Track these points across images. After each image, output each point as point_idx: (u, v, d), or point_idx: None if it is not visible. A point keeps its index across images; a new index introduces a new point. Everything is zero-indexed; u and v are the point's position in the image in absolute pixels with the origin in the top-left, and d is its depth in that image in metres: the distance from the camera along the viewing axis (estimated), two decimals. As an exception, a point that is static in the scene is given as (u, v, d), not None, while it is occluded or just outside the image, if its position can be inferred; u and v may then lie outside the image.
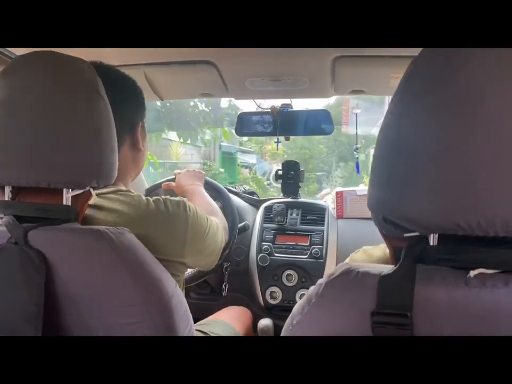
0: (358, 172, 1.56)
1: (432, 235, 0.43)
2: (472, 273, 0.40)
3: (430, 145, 0.40)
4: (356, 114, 1.53)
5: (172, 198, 0.78)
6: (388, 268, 0.43)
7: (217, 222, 0.95)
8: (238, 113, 1.49)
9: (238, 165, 9.97)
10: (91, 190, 0.65)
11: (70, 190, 0.63)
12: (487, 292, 0.39)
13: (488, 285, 0.39)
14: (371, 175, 0.47)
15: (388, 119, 0.45)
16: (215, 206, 1.12)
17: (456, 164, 0.38)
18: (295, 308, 0.49)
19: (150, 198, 0.76)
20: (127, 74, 0.86)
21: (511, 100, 0.37)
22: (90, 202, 0.67)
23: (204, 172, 1.31)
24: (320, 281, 0.47)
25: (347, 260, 0.70)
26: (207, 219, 0.87)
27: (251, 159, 9.39)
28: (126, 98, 0.81)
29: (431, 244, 0.43)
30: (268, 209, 1.56)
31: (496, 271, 0.40)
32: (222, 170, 9.05)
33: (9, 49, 0.93)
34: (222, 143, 9.27)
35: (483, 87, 0.38)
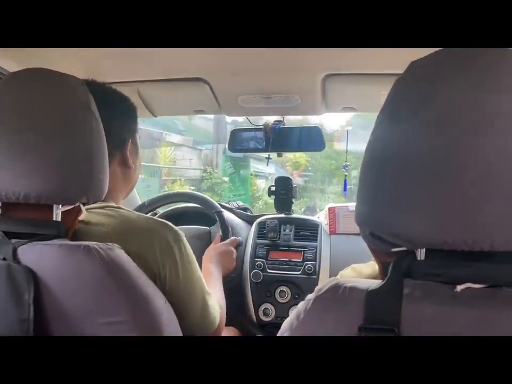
0: (344, 189, 1.57)
1: (419, 250, 0.43)
2: (459, 287, 0.40)
3: (416, 161, 0.41)
4: (347, 131, 1.55)
5: (165, 221, 0.76)
6: (376, 283, 0.44)
7: (215, 299, 0.87)
8: (231, 130, 1.51)
9: (252, 174, 8.49)
10: (81, 206, 0.65)
11: (60, 205, 0.63)
12: (474, 306, 0.39)
13: (475, 300, 0.40)
14: (358, 190, 0.48)
15: (374, 135, 0.46)
16: (222, 294, 1.03)
17: (442, 179, 0.39)
18: (284, 324, 0.49)
19: (140, 214, 0.75)
20: (118, 91, 0.86)
21: (496, 116, 0.38)
22: (80, 218, 0.67)
23: (234, 260, 1.22)
24: (308, 296, 0.47)
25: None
26: (200, 277, 0.80)
27: (269, 169, 7.92)
28: (115, 114, 0.81)
29: (419, 258, 0.43)
30: (261, 225, 1.56)
31: (483, 285, 0.40)
32: (225, 179, 7.88)
33: (1, 65, 0.94)
34: (226, 146, 7.95)
35: (468, 103, 0.39)
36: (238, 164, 8.25)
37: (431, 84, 0.42)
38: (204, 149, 8.54)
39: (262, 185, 8.49)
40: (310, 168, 8.31)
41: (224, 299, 1.00)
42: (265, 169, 8.23)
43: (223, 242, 1.25)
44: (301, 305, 0.47)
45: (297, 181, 7.35)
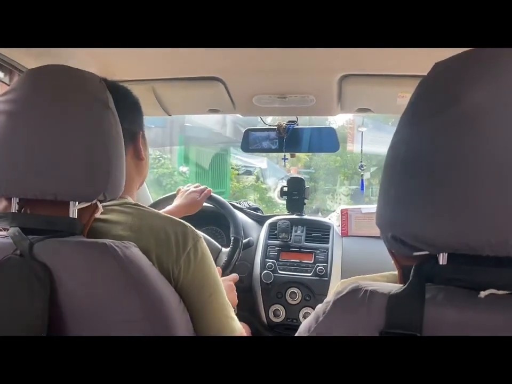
0: (362, 188, 1.56)
1: (441, 254, 0.42)
2: (483, 293, 0.39)
3: (439, 164, 0.40)
4: (362, 132, 1.54)
5: (184, 222, 0.74)
6: (397, 287, 0.43)
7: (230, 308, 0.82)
8: (244, 130, 1.50)
9: (234, 168, 6.59)
10: (98, 203, 0.65)
11: (77, 202, 0.63)
12: (498, 313, 0.39)
13: (499, 306, 0.39)
14: (380, 192, 0.47)
15: (396, 138, 0.46)
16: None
17: (467, 182, 0.38)
18: (302, 326, 0.48)
19: (159, 212, 0.75)
20: (123, 86, 0.86)
21: None
22: (97, 215, 0.67)
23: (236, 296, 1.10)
24: (327, 299, 0.47)
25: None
26: (218, 281, 0.78)
27: (260, 163, 6.56)
28: (126, 109, 0.80)
29: (441, 263, 0.42)
30: (273, 226, 1.56)
31: (507, 292, 0.40)
32: (184, 169, 5.87)
33: (19, 60, 0.95)
34: (186, 124, 5.28)
35: (491, 106, 0.38)
36: (210, 152, 6.25)
37: (456, 85, 0.41)
38: (153, 126, 5.30)
39: (248, 181, 6.76)
40: (311, 165, 7.12)
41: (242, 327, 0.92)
42: (254, 162, 6.73)
43: (224, 277, 1.14)
44: (320, 307, 0.47)
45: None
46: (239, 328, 0.83)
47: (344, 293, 0.45)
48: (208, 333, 0.74)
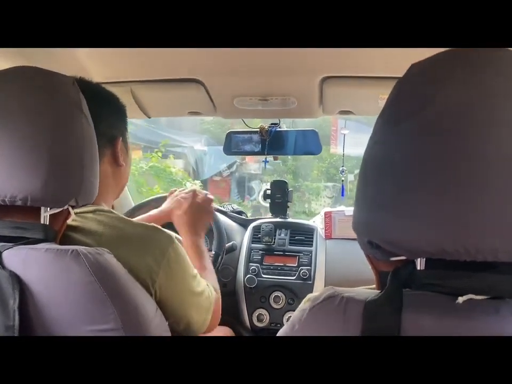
0: (342, 194, 1.55)
1: (419, 259, 0.41)
2: (461, 299, 0.39)
3: (415, 168, 0.39)
4: (344, 135, 1.54)
5: (157, 226, 0.74)
6: (374, 293, 0.42)
7: (208, 288, 0.84)
8: (227, 132, 1.49)
9: (146, 147, 4.30)
10: (70, 209, 0.63)
11: (48, 208, 0.61)
12: (477, 318, 0.38)
13: (477, 312, 0.38)
14: (356, 196, 0.46)
15: (372, 140, 0.45)
16: (214, 276, 0.97)
17: (442, 187, 0.37)
18: (279, 334, 0.47)
19: (131, 220, 0.73)
20: (106, 89, 0.84)
21: (496, 120, 0.37)
22: (69, 221, 0.65)
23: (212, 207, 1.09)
24: (303, 306, 0.45)
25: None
26: (196, 275, 0.78)
27: (196, 142, 4.73)
28: (105, 112, 0.79)
29: (418, 268, 0.41)
30: (256, 229, 1.55)
31: (485, 297, 0.39)
32: None
33: None
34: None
35: (466, 107, 0.38)
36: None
37: (431, 85, 0.40)
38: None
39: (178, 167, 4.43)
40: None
41: (217, 280, 0.96)
42: (183, 139, 4.74)
43: (183, 195, 1.08)
44: (296, 315, 0.46)
45: (252, 167, 5.10)
46: (208, 294, 0.82)
47: (319, 300, 0.44)
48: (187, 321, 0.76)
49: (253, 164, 5.17)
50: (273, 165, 4.70)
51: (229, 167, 5.04)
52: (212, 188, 4.97)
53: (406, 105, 0.41)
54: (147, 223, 0.73)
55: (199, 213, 1.05)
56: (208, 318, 0.82)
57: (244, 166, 5.24)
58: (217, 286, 0.93)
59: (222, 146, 1.46)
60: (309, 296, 0.48)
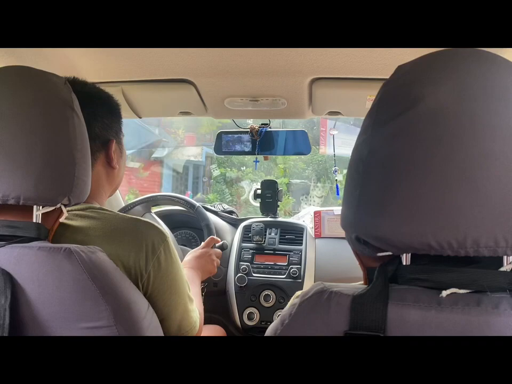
0: (337, 193, 1.57)
1: (405, 254, 0.43)
2: (445, 293, 0.40)
3: (400, 165, 0.40)
4: (333, 135, 1.55)
5: (150, 221, 0.74)
6: (361, 288, 0.43)
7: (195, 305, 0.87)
8: (217, 132, 1.50)
9: None
10: (62, 207, 0.63)
11: (41, 207, 0.61)
12: (459, 312, 0.39)
13: (460, 305, 0.39)
14: (344, 194, 0.47)
15: (360, 140, 0.46)
16: (200, 300, 1.01)
17: (426, 184, 0.39)
18: (269, 329, 0.48)
19: (124, 215, 0.74)
20: (102, 90, 0.84)
21: (480, 118, 0.38)
22: (61, 220, 0.65)
23: (213, 261, 1.18)
24: (293, 301, 0.47)
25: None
26: (184, 280, 0.79)
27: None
28: (99, 114, 0.79)
29: (404, 263, 0.43)
30: (247, 229, 1.56)
31: (468, 291, 0.40)
32: None
33: None
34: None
35: (452, 107, 0.39)
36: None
37: (416, 86, 0.42)
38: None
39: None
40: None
41: (202, 305, 1.00)
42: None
43: (201, 245, 1.22)
44: (286, 310, 0.47)
45: (191, 151, 3.93)
46: (197, 319, 0.85)
47: (309, 295, 0.45)
48: (172, 322, 0.76)
49: (192, 148, 3.81)
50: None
51: (149, 146, 3.56)
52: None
53: (393, 106, 0.43)
54: (140, 218, 0.74)
55: (202, 257, 1.16)
56: (192, 328, 0.83)
57: (180, 150, 3.97)
58: (201, 309, 0.96)
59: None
60: (299, 292, 0.49)
